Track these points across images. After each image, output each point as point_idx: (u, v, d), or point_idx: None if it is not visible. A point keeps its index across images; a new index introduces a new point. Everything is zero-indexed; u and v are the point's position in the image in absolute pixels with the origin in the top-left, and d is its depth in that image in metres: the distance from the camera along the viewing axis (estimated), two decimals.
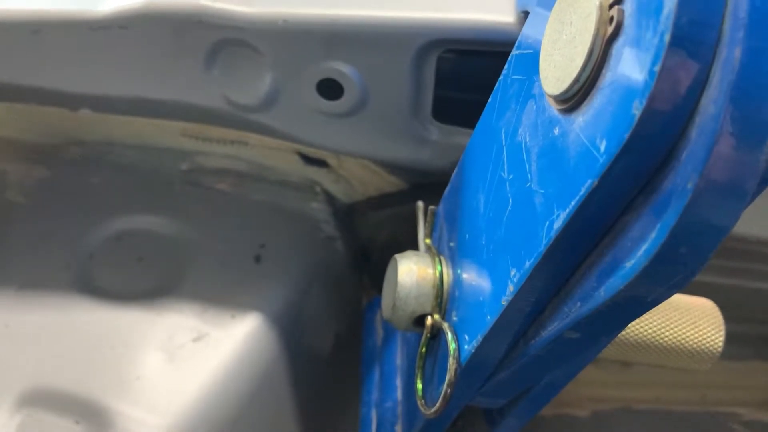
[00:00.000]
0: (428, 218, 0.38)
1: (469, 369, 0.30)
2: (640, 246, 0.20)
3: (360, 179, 0.51)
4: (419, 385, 0.34)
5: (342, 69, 0.39)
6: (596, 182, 0.21)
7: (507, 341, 0.28)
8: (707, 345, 0.37)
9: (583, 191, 0.21)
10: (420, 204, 0.39)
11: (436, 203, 0.39)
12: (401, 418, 0.40)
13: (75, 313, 0.45)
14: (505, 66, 0.30)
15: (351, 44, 0.38)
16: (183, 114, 0.45)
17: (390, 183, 0.51)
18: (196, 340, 0.44)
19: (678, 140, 0.19)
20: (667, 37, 0.18)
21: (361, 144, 0.43)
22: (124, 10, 0.38)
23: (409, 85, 0.39)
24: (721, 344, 0.38)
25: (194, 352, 0.43)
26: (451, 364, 0.30)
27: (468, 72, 0.41)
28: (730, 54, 0.17)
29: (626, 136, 0.19)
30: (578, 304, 0.24)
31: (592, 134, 0.21)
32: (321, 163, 0.50)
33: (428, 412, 0.32)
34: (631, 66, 0.20)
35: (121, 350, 0.43)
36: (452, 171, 0.37)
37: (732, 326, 0.67)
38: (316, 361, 0.51)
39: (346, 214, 0.53)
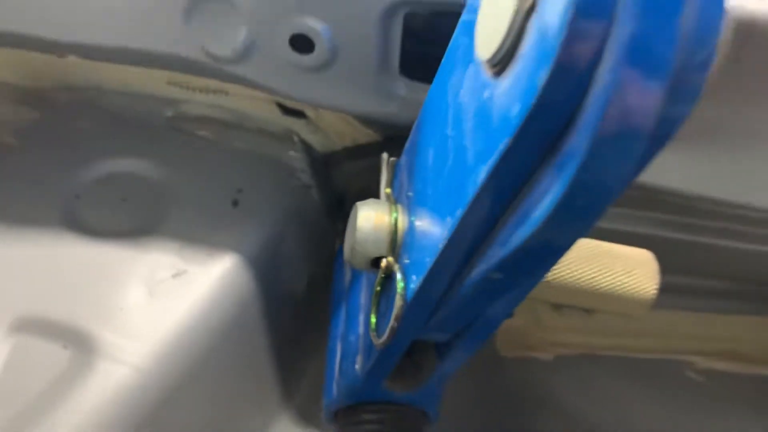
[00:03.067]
0: (389, 169, 0.40)
1: (414, 305, 0.33)
2: (546, 199, 0.23)
3: (336, 130, 0.54)
4: (373, 319, 0.37)
5: (313, 24, 0.41)
6: (510, 141, 0.23)
7: (444, 281, 0.31)
8: (640, 292, 0.40)
9: (500, 149, 0.24)
10: (384, 156, 0.42)
11: None
12: (361, 351, 0.43)
13: (63, 249, 0.48)
14: (456, 29, 0.33)
15: (320, 1, 0.40)
16: (165, 64, 0.47)
17: (365, 134, 0.54)
18: (176, 276, 0.47)
19: (577, 107, 0.22)
20: (569, 16, 0.21)
21: (332, 97, 0.46)
22: None
23: (376, 42, 0.41)
24: (653, 292, 0.41)
25: (173, 287, 0.47)
26: (398, 301, 0.33)
27: (434, 30, 0.43)
28: (621, 36, 0.20)
29: (532, 102, 0.22)
30: (499, 248, 0.27)
31: (510, 98, 0.24)
32: (299, 114, 0.53)
33: (378, 343, 0.35)
34: (540, 39, 0.22)
35: (105, 283, 0.47)
36: None
37: (691, 280, 0.71)
38: (290, 300, 0.54)
39: (323, 163, 0.56)
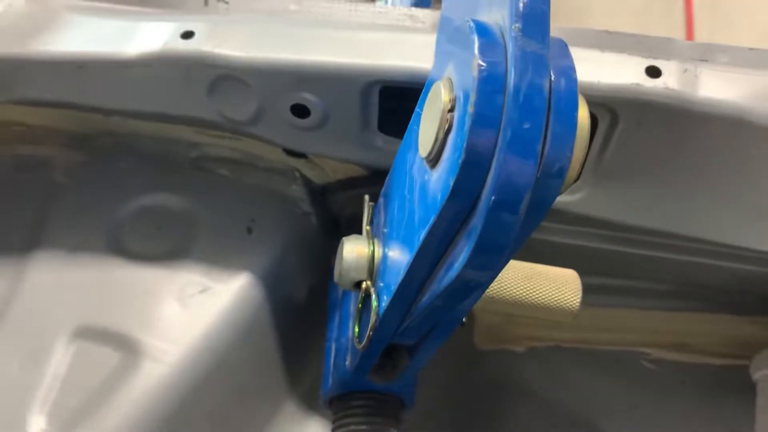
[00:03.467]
0: (369, 210, 0.52)
1: (385, 319, 0.45)
2: (461, 255, 0.35)
3: (331, 167, 0.65)
4: (356, 329, 0.49)
5: (308, 97, 0.52)
6: (435, 217, 0.35)
7: (405, 303, 0.43)
8: (566, 304, 0.51)
9: (430, 221, 0.35)
10: (365, 198, 0.53)
11: None
12: (350, 350, 0.55)
13: (111, 270, 0.60)
14: (412, 117, 0.44)
15: (314, 80, 0.51)
16: (191, 122, 0.58)
17: (355, 169, 0.65)
18: (202, 291, 0.59)
19: (476, 197, 0.33)
20: (464, 147, 0.32)
21: (325, 149, 0.57)
22: (147, 53, 0.51)
23: (358, 109, 0.53)
24: (577, 303, 0.52)
25: (201, 300, 0.58)
26: (373, 316, 0.45)
27: (404, 98, 0.54)
28: (495, 179, 0.31)
29: (446, 196, 0.33)
30: (437, 284, 0.38)
31: (436, 187, 0.35)
32: (300, 155, 0.64)
33: (359, 347, 0.47)
34: (452, 152, 0.33)
35: (146, 298, 0.59)
36: None
37: (641, 283, 0.82)
38: (294, 308, 0.66)
39: (320, 193, 0.67)
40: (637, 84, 0.48)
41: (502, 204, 0.32)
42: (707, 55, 0.51)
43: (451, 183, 0.33)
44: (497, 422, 0.85)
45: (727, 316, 0.82)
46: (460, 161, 0.32)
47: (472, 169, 0.32)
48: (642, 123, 0.50)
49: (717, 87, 0.48)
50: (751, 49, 0.53)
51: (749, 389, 0.78)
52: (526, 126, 0.31)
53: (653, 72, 0.48)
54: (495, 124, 0.31)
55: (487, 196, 0.32)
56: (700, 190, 0.54)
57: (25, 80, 0.55)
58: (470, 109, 0.31)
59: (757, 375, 0.74)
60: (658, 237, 0.68)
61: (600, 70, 0.48)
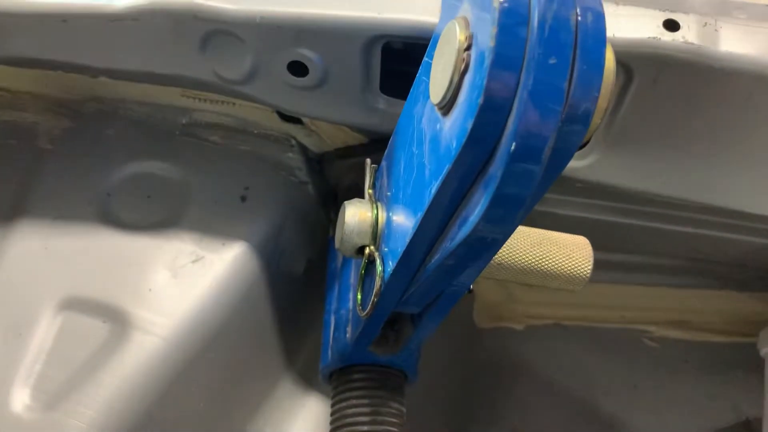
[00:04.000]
0: (371, 173, 0.49)
1: (390, 285, 0.42)
2: (477, 207, 0.32)
3: (328, 134, 0.63)
4: (359, 296, 0.47)
5: (307, 54, 0.49)
6: (450, 166, 0.32)
7: (413, 266, 0.40)
8: (577, 272, 0.49)
9: (444, 170, 0.33)
10: (368, 161, 0.51)
11: None
12: (351, 322, 0.52)
13: (99, 239, 0.57)
14: (420, 67, 0.41)
15: (313, 35, 0.48)
16: (182, 83, 0.55)
17: (353, 137, 0.62)
18: (195, 261, 0.56)
19: (496, 143, 0.31)
20: (484, 86, 0.29)
21: (323, 111, 0.54)
22: (135, 5, 0.48)
23: (359, 67, 0.50)
24: (588, 271, 0.50)
25: (193, 270, 0.56)
26: (378, 281, 0.42)
27: (407, 56, 0.51)
28: (517, 121, 0.29)
29: (463, 141, 0.31)
30: (449, 242, 0.36)
31: (451, 134, 0.33)
32: (296, 120, 0.61)
33: (362, 315, 0.44)
34: (469, 94, 0.31)
35: (136, 268, 0.56)
36: None
37: (644, 258, 0.80)
38: (291, 280, 0.63)
39: (317, 162, 0.64)
40: (655, 38, 0.46)
41: (524, 149, 0.29)
42: (724, 9, 0.49)
43: (469, 126, 0.30)
44: (497, 400, 0.83)
45: (731, 292, 0.81)
46: (479, 102, 0.30)
47: (491, 110, 0.30)
48: (658, 80, 0.47)
49: (738, 41, 0.45)
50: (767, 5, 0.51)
51: (754, 367, 0.76)
52: (552, 62, 0.28)
53: (671, 26, 0.46)
54: (517, 60, 0.29)
55: (507, 140, 0.30)
56: (717, 152, 0.52)
57: (7, 35, 0.51)
58: (490, 43, 0.29)
59: (765, 350, 0.72)
60: (666, 208, 0.66)
61: (615, 23, 0.46)
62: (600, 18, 0.30)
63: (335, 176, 0.65)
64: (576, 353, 0.85)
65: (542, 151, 0.29)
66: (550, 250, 0.49)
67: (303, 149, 0.63)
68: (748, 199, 0.54)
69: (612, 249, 0.78)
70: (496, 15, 0.29)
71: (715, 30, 0.46)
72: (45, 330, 0.53)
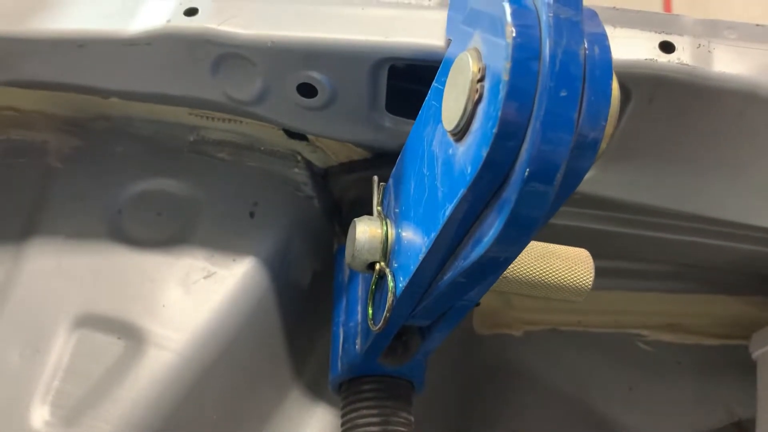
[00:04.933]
0: (379, 191, 0.51)
1: (401, 300, 0.44)
2: (491, 229, 0.34)
3: (333, 149, 0.64)
4: (370, 311, 0.48)
5: (316, 76, 0.51)
6: (465, 190, 0.34)
7: (424, 282, 0.42)
8: (579, 283, 0.51)
9: (459, 195, 0.35)
10: (375, 178, 0.52)
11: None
12: (360, 334, 0.54)
13: (111, 256, 0.58)
14: (429, 92, 0.43)
15: (322, 59, 0.50)
16: (193, 104, 0.57)
17: (357, 152, 0.64)
18: (206, 277, 0.57)
19: (509, 169, 0.33)
20: (501, 116, 0.31)
21: (332, 130, 0.56)
22: (149, 30, 0.50)
23: (367, 88, 0.52)
24: (590, 283, 0.52)
25: (205, 286, 0.57)
26: (389, 297, 0.44)
27: (413, 77, 0.53)
28: (530, 149, 0.30)
29: (479, 167, 0.32)
30: (462, 261, 0.38)
31: (465, 160, 0.34)
32: (301, 137, 0.63)
33: (374, 329, 0.46)
34: (483, 123, 0.33)
35: (149, 285, 0.57)
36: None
37: (638, 265, 0.82)
38: (298, 292, 0.65)
39: (322, 177, 0.66)
40: (652, 59, 0.48)
41: (538, 175, 0.31)
42: (715, 30, 0.51)
43: (484, 153, 0.32)
44: (496, 406, 0.85)
45: (722, 296, 0.83)
46: (494, 131, 0.31)
47: (505, 138, 0.32)
48: (654, 99, 0.49)
49: (730, 62, 0.47)
50: (757, 25, 0.53)
51: (746, 369, 0.78)
52: (563, 94, 0.30)
53: (667, 47, 0.48)
54: (530, 92, 0.31)
55: (521, 166, 0.32)
56: (710, 167, 0.54)
57: (22, 60, 0.53)
58: (504, 77, 0.31)
59: (757, 353, 0.75)
60: (660, 217, 0.68)
61: (613, 45, 0.48)
62: (606, 50, 0.32)
63: (340, 190, 0.66)
64: (572, 357, 0.86)
65: (555, 176, 0.31)
66: (554, 263, 0.51)
67: (308, 164, 0.65)
68: (739, 209, 0.57)
69: (607, 256, 0.80)
70: (510, 51, 0.31)
71: (708, 51, 0.48)
72: (62, 347, 0.54)
